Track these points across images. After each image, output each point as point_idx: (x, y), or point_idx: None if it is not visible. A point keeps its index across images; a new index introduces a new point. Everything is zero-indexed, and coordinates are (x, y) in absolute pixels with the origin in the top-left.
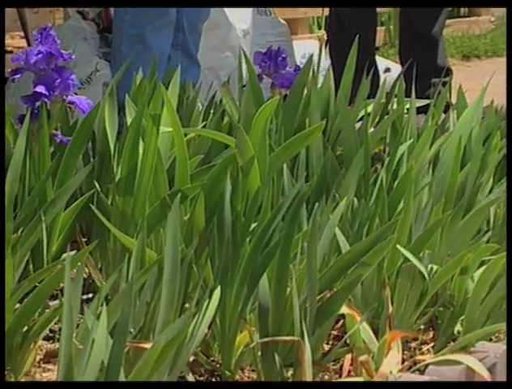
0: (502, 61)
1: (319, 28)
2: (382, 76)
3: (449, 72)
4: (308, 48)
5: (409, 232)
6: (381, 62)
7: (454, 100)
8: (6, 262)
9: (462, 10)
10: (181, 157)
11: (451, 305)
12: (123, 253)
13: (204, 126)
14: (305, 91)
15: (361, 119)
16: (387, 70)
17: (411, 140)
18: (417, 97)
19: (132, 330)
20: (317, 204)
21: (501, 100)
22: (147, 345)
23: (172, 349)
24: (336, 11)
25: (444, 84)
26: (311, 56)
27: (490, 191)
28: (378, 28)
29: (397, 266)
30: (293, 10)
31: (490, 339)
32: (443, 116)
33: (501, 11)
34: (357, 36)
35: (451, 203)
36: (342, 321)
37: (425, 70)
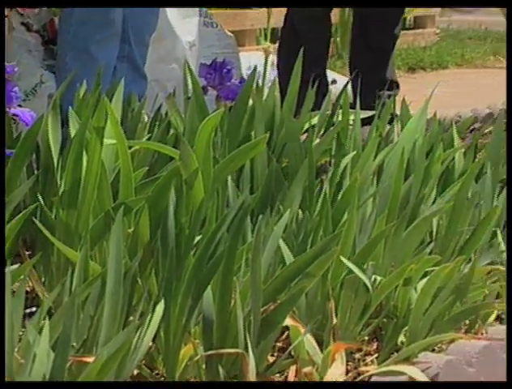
0: (447, 73)
1: (265, 40)
2: (330, 88)
3: (396, 86)
4: (254, 60)
5: (353, 244)
6: (328, 74)
7: (399, 112)
8: None
9: (407, 22)
10: (125, 170)
11: (395, 316)
12: (67, 266)
13: (149, 139)
14: (251, 103)
15: (308, 131)
16: (333, 81)
17: (355, 152)
18: (364, 109)
19: (75, 344)
20: (261, 216)
21: (444, 112)
22: (90, 359)
23: (114, 363)
24: (292, 20)
25: (390, 97)
26: (255, 67)
27: (433, 202)
28: None
29: (341, 277)
30: (240, 22)
31: (433, 350)
32: (388, 127)
33: (446, 24)
34: (309, 46)
35: (395, 215)
36: (287, 332)
37: (374, 83)
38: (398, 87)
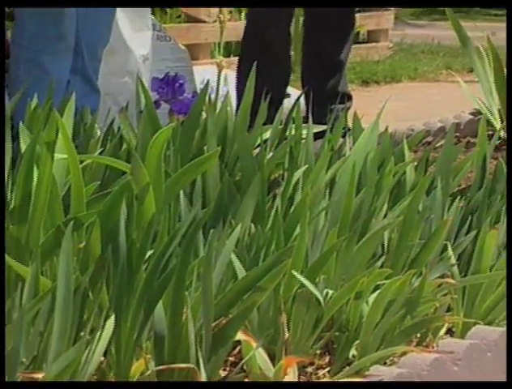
0: (401, 87)
1: (219, 54)
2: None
3: (348, 98)
4: (208, 74)
5: (305, 258)
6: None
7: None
8: None
9: (360, 36)
10: (76, 184)
11: (346, 329)
12: (17, 282)
13: (101, 153)
14: (204, 117)
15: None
16: (287, 95)
17: (307, 166)
18: (318, 123)
19: (25, 359)
20: (212, 230)
21: (397, 125)
22: (40, 375)
23: (64, 378)
24: (255, 26)
25: (343, 110)
26: (207, 82)
27: (385, 216)
28: None
29: (293, 291)
30: (195, 36)
31: (384, 363)
32: (341, 141)
33: (399, 38)
34: (273, 51)
35: (347, 228)
36: (239, 347)
37: (327, 96)
38: (350, 99)
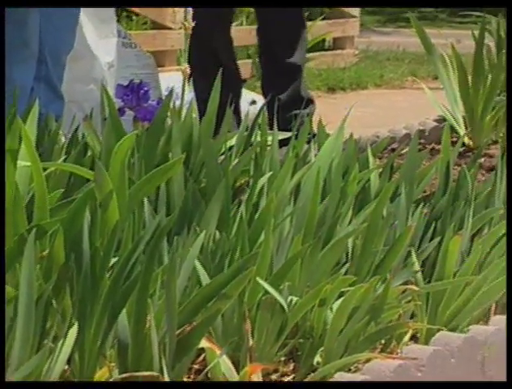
0: (366, 94)
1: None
2: (248, 108)
3: (311, 102)
4: (174, 80)
5: (270, 264)
6: (248, 95)
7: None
8: None
9: (326, 43)
10: (39, 192)
11: (311, 336)
12: None
13: (65, 160)
14: (169, 124)
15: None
16: (253, 102)
17: (271, 172)
18: (282, 129)
19: None
20: (177, 237)
21: (362, 132)
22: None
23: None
24: (200, 41)
25: (308, 115)
26: (172, 88)
27: (350, 223)
28: (245, 61)
29: (257, 298)
30: (161, 43)
31: (349, 370)
32: (306, 147)
33: (365, 45)
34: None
35: (311, 235)
36: (203, 354)
37: (289, 102)
38: (312, 102)
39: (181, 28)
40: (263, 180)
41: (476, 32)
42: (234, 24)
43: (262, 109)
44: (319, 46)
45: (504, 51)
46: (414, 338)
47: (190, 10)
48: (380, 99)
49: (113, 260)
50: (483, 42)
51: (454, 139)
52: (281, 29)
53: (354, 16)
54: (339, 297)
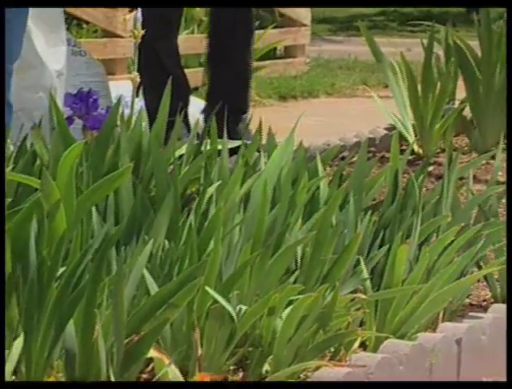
0: (317, 102)
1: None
2: (199, 116)
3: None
4: (124, 89)
5: (219, 273)
6: (199, 103)
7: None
8: None
9: (278, 51)
10: None
11: (260, 345)
12: None
13: (13, 169)
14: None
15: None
16: (204, 110)
17: (220, 181)
18: (232, 137)
19: None
20: (125, 246)
21: (313, 140)
22: None
23: None
24: (147, 48)
25: (247, 122)
26: (120, 97)
27: (299, 231)
28: (197, 69)
29: (206, 307)
30: (112, 51)
31: (298, 378)
32: (256, 155)
33: (316, 53)
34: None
35: (260, 243)
36: (152, 364)
37: (237, 109)
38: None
39: (131, 36)
40: (212, 189)
41: (425, 41)
42: (185, 32)
43: (210, 116)
44: (270, 55)
45: (452, 59)
46: (363, 345)
47: (140, 18)
48: (331, 107)
49: (61, 270)
50: (432, 51)
51: (405, 147)
52: (231, 38)
53: (305, 25)
54: (288, 305)
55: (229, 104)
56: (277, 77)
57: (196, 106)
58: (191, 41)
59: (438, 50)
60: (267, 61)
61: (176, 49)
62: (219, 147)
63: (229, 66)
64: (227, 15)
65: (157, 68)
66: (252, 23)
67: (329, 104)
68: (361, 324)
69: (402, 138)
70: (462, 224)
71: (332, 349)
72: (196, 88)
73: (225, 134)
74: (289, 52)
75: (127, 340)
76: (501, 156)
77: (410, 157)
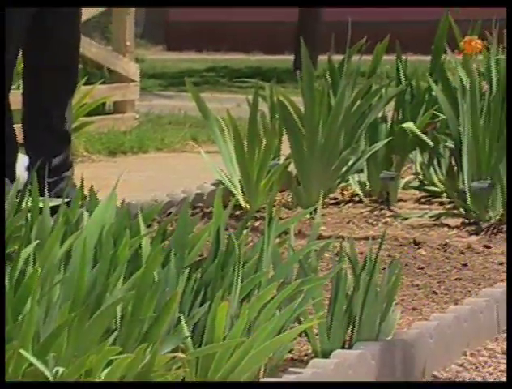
0: (147, 158)
1: None
2: (23, 173)
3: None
4: None
5: (36, 334)
6: (24, 159)
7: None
8: None
9: (107, 107)
10: None
11: None
12: None
13: None
14: None
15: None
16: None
17: (38, 241)
18: (55, 194)
19: None
20: None
21: (141, 196)
22: None
23: None
24: None
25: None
26: None
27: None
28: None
29: (22, 370)
30: None
31: None
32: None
33: (146, 108)
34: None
35: (80, 303)
36: None
37: (60, 166)
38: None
39: None
40: (29, 248)
41: (250, 98)
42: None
43: (33, 173)
44: (99, 110)
45: (277, 116)
46: None
47: None
48: (160, 162)
49: None
50: (257, 107)
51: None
52: (53, 97)
53: (134, 80)
54: (108, 365)
55: (49, 162)
56: (106, 132)
57: (22, 162)
58: (17, 96)
59: (264, 107)
60: (96, 117)
61: (9, 108)
62: (41, 204)
63: (54, 126)
64: (46, 73)
65: None
66: (73, 79)
67: (158, 160)
68: None
69: (230, 194)
70: (282, 280)
71: None
72: (22, 144)
73: (46, 192)
74: (118, 107)
75: None
76: (322, 212)
77: (238, 212)
